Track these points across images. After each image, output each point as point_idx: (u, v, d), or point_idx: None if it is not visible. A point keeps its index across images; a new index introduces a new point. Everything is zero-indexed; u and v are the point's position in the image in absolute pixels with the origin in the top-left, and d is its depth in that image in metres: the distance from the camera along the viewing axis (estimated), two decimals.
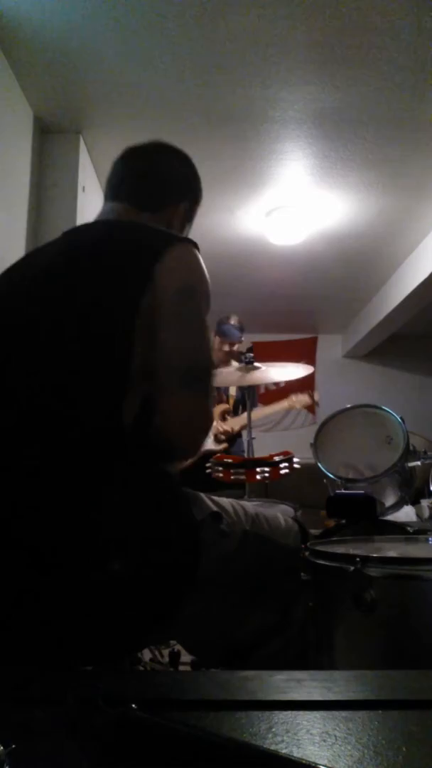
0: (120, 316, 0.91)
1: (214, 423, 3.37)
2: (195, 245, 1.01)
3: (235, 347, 3.42)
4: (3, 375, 0.92)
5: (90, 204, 3.23)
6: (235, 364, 3.00)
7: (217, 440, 3.35)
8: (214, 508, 0.98)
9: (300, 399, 3.63)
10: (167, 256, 0.95)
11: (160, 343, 0.91)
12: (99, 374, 0.90)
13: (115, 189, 1.17)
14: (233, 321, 3.43)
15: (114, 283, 0.94)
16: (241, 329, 3.45)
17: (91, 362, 0.90)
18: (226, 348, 3.38)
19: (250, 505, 1.09)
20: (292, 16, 2.31)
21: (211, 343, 1.01)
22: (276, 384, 3.93)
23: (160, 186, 1.18)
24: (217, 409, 3.43)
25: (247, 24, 2.35)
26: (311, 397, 3.66)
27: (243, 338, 3.47)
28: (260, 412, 3.71)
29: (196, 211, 1.26)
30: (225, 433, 3.33)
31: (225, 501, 1.03)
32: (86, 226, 1.14)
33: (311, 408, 6.43)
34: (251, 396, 3.12)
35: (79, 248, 1.03)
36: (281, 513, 1.19)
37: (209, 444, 3.37)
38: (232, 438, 3.39)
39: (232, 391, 3.56)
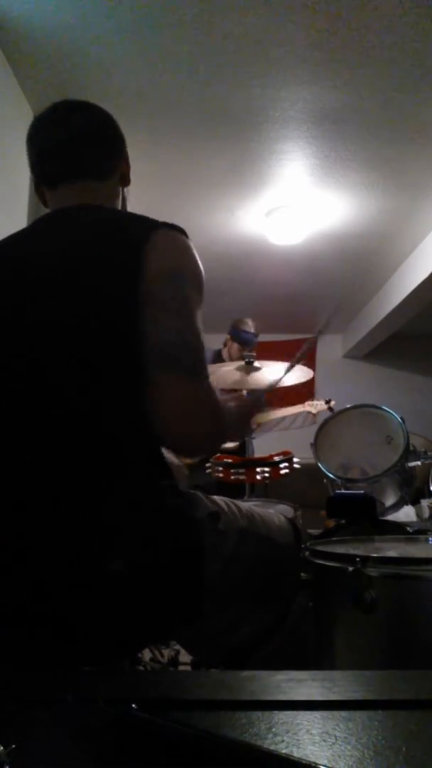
0: (119, 311, 0.89)
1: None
2: (181, 231, 0.97)
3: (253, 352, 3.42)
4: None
5: None
6: (234, 363, 3.00)
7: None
8: (213, 508, 0.98)
9: (316, 404, 3.61)
10: (150, 243, 0.91)
11: (143, 328, 0.88)
12: (112, 371, 0.88)
13: (59, 168, 1.06)
14: (250, 327, 3.42)
15: (110, 280, 0.91)
16: (257, 334, 3.45)
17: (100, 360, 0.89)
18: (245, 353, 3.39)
19: (244, 504, 1.09)
20: (292, 16, 2.31)
21: (199, 327, 0.92)
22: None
23: (102, 140, 1.09)
24: None
25: (247, 24, 2.35)
26: (328, 404, 3.63)
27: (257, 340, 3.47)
28: (277, 412, 3.65)
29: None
30: None
31: (220, 500, 1.03)
32: (64, 219, 1.02)
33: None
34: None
35: (70, 252, 0.95)
36: (277, 512, 1.19)
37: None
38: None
39: (244, 391, 3.55)
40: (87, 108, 1.13)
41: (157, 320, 0.88)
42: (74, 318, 0.89)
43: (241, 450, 3.25)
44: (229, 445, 3.29)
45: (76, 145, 1.07)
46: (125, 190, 1.14)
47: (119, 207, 1.12)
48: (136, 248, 0.90)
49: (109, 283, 0.90)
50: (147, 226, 0.95)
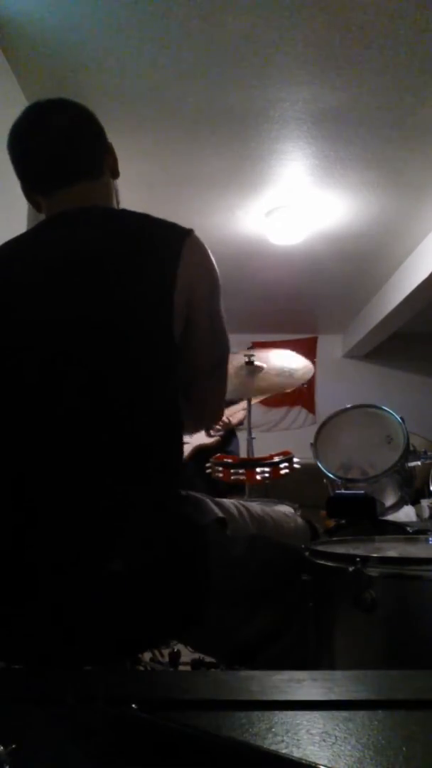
0: (156, 310, 0.91)
1: None
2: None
3: None
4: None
5: None
6: (234, 364, 2.99)
7: (209, 432, 3.28)
8: (220, 514, 0.96)
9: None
10: (186, 253, 0.96)
11: (199, 340, 0.98)
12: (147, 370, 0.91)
13: (51, 175, 1.04)
14: None
15: (144, 286, 0.92)
16: None
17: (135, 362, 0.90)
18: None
19: (257, 506, 1.08)
20: (292, 16, 2.31)
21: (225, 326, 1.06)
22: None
23: (87, 138, 1.07)
24: None
25: (247, 24, 2.35)
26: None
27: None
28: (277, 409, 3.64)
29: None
30: (221, 424, 3.26)
31: (229, 504, 1.02)
32: (77, 225, 1.00)
33: (310, 407, 6.41)
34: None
35: (97, 249, 0.96)
36: (285, 512, 1.19)
37: (201, 437, 3.32)
38: (228, 431, 3.31)
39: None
40: (65, 106, 1.09)
41: (209, 333, 1.00)
42: (97, 323, 0.89)
43: (224, 445, 3.24)
44: (208, 440, 3.28)
45: (64, 149, 1.04)
46: (115, 182, 1.13)
47: (114, 202, 1.12)
48: (172, 258, 0.93)
49: (144, 287, 0.91)
50: (176, 234, 0.98)
